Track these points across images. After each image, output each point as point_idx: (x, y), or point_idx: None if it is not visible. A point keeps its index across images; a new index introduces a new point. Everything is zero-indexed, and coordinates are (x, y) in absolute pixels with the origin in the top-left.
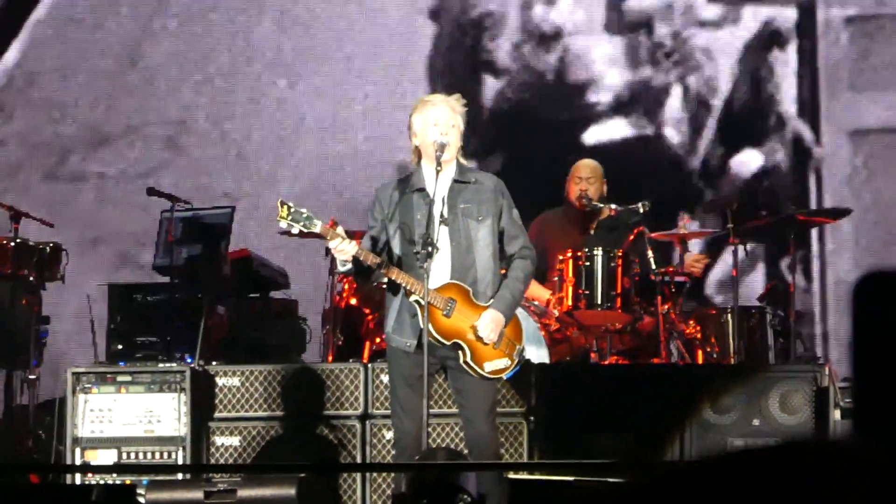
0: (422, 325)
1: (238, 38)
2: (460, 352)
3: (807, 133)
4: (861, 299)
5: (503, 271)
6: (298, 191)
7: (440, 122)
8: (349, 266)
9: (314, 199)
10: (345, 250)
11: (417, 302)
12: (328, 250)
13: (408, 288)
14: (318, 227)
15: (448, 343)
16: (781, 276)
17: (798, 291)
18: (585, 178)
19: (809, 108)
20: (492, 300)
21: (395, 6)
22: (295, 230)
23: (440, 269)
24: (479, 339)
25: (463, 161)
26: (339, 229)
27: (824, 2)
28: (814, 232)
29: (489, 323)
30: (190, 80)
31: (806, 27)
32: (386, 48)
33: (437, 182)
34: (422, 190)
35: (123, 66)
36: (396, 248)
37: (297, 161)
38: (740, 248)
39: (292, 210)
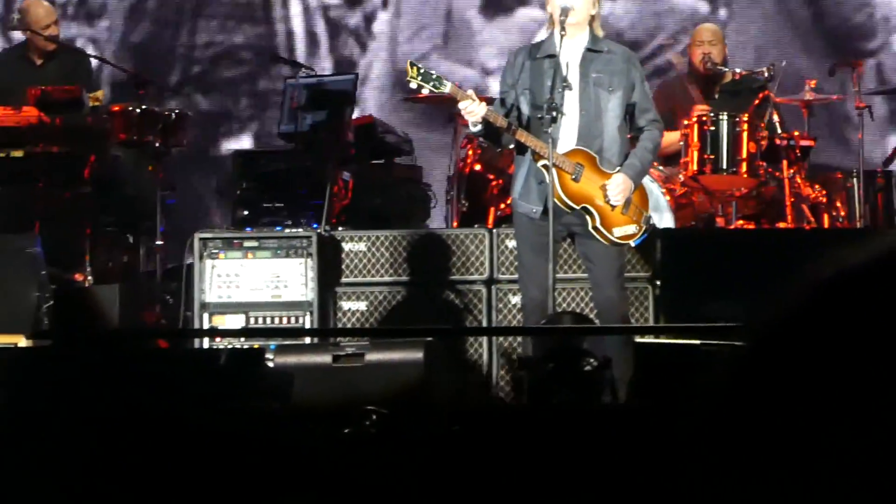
0: (548, 191)
1: None
2: (588, 217)
3: None
4: None
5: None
6: None
7: None
8: (480, 127)
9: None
10: (474, 111)
11: (545, 166)
12: (451, 116)
13: (536, 151)
14: (447, 87)
15: (577, 207)
16: None
17: None
18: (707, 41)
19: None
20: (618, 168)
21: None
22: (425, 90)
23: (567, 136)
24: (608, 202)
25: (598, 30)
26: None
27: None
28: None
29: (619, 185)
30: None
31: None
32: None
33: (569, 49)
34: (552, 56)
35: None
36: (525, 112)
37: None
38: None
39: (422, 71)
